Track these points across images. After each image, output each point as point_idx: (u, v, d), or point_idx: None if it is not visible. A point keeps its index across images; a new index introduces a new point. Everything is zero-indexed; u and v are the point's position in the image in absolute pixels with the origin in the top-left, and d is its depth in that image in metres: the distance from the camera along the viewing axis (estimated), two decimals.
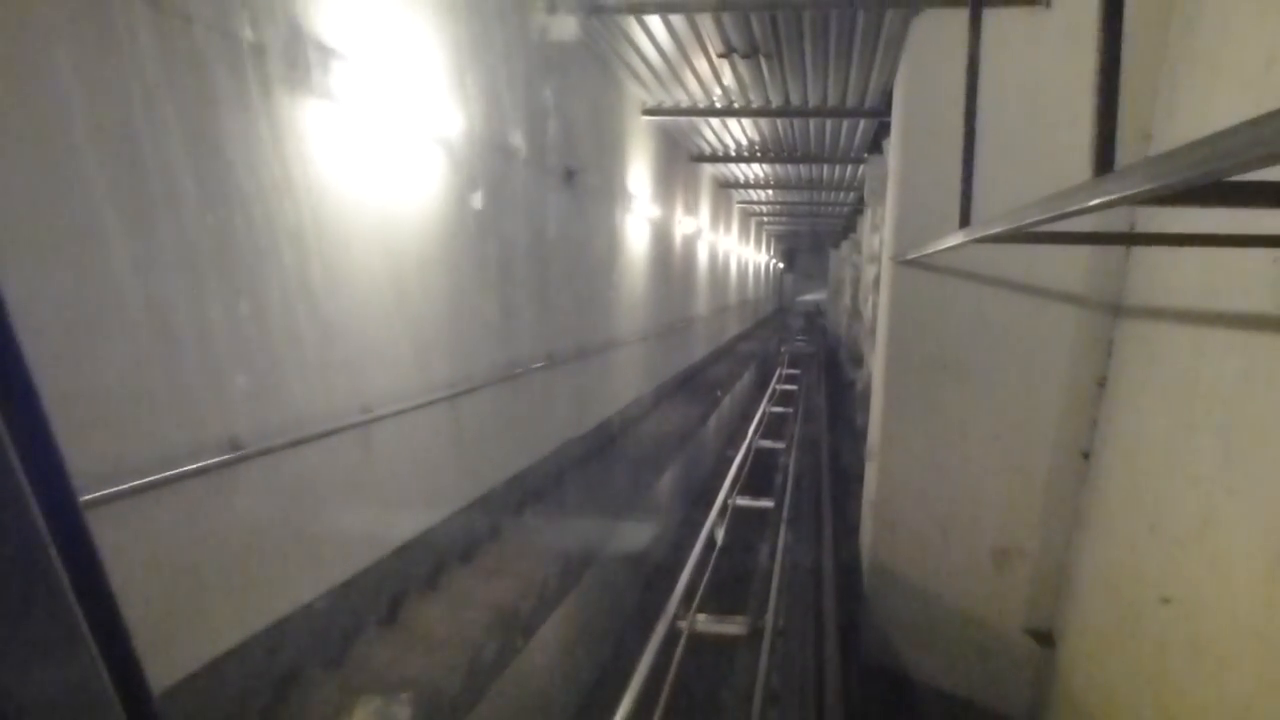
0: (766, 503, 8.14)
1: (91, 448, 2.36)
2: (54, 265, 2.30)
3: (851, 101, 8.24)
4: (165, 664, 2.67)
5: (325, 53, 3.21)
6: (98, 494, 2.28)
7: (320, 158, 3.35)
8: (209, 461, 2.72)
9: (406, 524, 4.27)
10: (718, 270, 17.90)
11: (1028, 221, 1.88)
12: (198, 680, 2.81)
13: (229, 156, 2.79)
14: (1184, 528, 3.59)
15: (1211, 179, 1.25)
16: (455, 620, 3.83)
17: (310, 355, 3.33)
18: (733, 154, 12.35)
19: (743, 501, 7.92)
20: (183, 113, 2.61)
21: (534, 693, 4.18)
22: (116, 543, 2.44)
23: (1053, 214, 1.68)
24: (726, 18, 5.89)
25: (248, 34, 2.87)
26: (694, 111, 8.89)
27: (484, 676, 3.53)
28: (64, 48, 2.27)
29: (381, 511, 4.02)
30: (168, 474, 2.54)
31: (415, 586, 4.10)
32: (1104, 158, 1.57)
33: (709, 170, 14.26)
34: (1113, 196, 1.45)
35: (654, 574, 6.72)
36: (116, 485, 2.35)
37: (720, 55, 6.78)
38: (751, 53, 6.67)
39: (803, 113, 8.63)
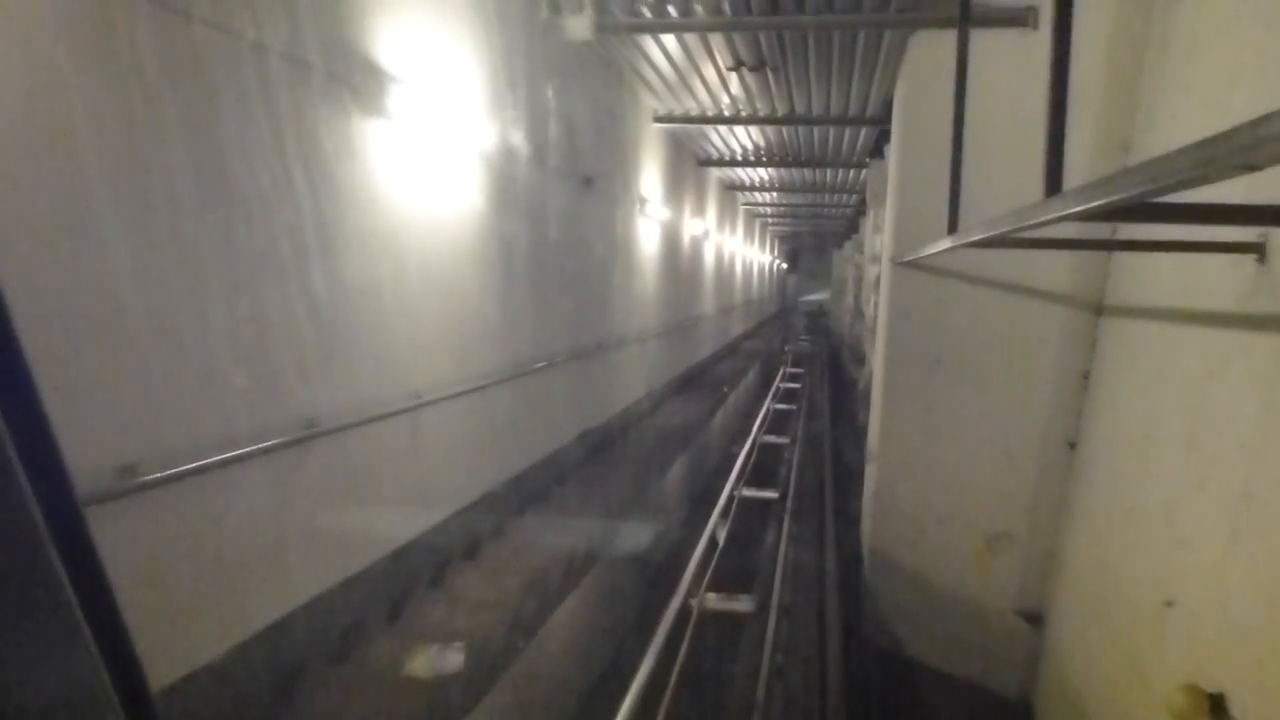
0: (771, 494, 8.42)
1: (205, 421, 2.74)
2: (180, 273, 2.69)
3: (854, 110, 8.57)
4: (262, 608, 3.07)
5: (386, 78, 3.58)
6: (209, 460, 2.66)
7: (379, 170, 3.73)
8: (288, 438, 3.10)
9: (446, 502, 4.66)
10: (723, 270, 18.22)
11: (997, 232, 2.22)
12: (287, 623, 3.20)
13: (306, 170, 3.18)
14: (1155, 511, 3.86)
15: (1137, 200, 1.58)
16: (495, 586, 4.22)
17: (371, 346, 3.71)
18: (739, 158, 12.67)
19: (748, 492, 8.20)
20: (275, 135, 3.00)
21: (561, 653, 4.55)
22: (221, 500, 2.84)
23: (1012, 227, 2.01)
24: (735, 34, 6.24)
25: (337, 67, 3.26)
26: (703, 119, 9.24)
27: (522, 631, 3.92)
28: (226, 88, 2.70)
29: (426, 489, 4.40)
30: (262, 445, 2.92)
31: (457, 555, 4.51)
32: (1053, 181, 1.90)
33: (715, 174, 14.57)
34: (1057, 215, 1.78)
35: (666, 554, 7.04)
36: (219, 454, 2.73)
37: (729, 68, 7.13)
38: (758, 65, 7.01)
39: (807, 120, 8.98)
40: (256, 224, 2.92)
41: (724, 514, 6.63)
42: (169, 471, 2.54)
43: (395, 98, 3.65)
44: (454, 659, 3.29)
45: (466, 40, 4.59)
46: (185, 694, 2.78)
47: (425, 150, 4.16)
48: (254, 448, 2.89)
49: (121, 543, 2.47)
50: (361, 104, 3.49)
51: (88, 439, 2.34)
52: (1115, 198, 1.61)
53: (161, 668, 2.67)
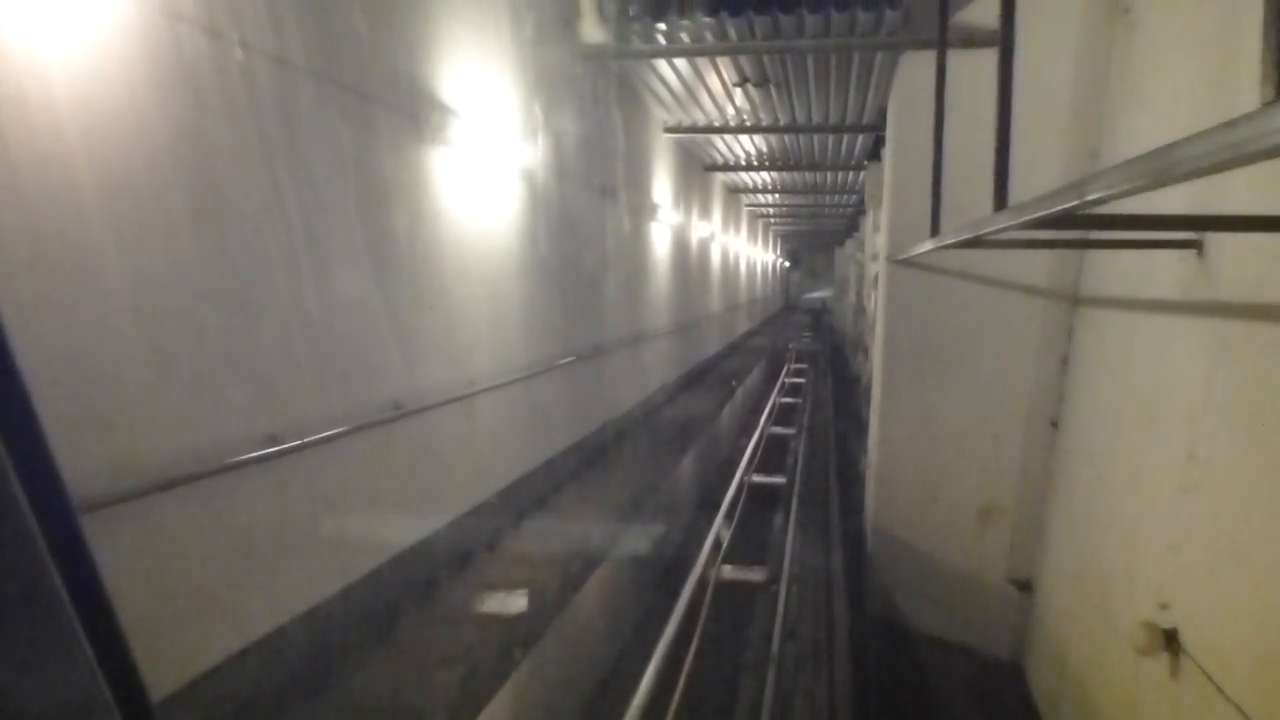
0: (779, 479, 8.89)
1: (325, 400, 3.33)
2: (304, 281, 3.26)
3: (851, 118, 9.06)
4: (368, 560, 3.66)
5: (448, 113, 4.16)
6: (327, 433, 3.23)
7: (444, 190, 4.31)
8: (384, 416, 3.70)
9: (497, 479, 5.24)
10: (729, 270, 18.65)
11: (964, 237, 2.74)
12: (383, 574, 3.79)
13: (394, 192, 3.78)
14: (1121, 477, 4.28)
15: (1065, 214, 2.08)
16: (542, 549, 4.81)
17: (440, 340, 4.28)
18: (742, 163, 13.14)
19: (758, 478, 8.67)
20: (367, 167, 3.58)
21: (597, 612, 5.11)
22: (332, 467, 3.43)
23: (972, 234, 2.53)
24: (741, 56, 6.76)
25: (409, 106, 3.85)
26: (709, 129, 9.75)
27: (569, 585, 4.49)
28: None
29: (480, 467, 4.96)
30: (362, 423, 3.50)
31: (509, 524, 5.11)
32: (1000, 196, 2.40)
33: (720, 178, 15.01)
34: (1003, 225, 2.29)
35: (683, 533, 7.52)
36: (336, 428, 3.32)
37: (734, 84, 7.66)
38: (762, 81, 7.53)
39: (807, 129, 9.48)
40: (362, 237, 3.52)
41: (728, 515, 7.01)
42: (302, 441, 3.12)
43: (455, 128, 4.22)
44: (518, 602, 3.88)
45: (506, 71, 5.15)
46: (323, 618, 3.39)
47: (476, 171, 4.72)
48: (357, 424, 3.47)
49: (265, 496, 3.04)
50: (431, 135, 4.07)
51: (244, 412, 2.91)
52: (1046, 212, 2.11)
53: (301, 597, 3.27)
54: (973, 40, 5.10)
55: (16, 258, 2.13)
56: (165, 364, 2.60)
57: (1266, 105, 0.94)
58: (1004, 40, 2.89)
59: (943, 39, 4.30)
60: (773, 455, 10.33)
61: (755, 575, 6.17)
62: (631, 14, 5.96)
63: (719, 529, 6.35)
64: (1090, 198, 1.75)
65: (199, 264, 2.71)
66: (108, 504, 2.34)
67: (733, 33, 5.88)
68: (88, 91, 2.32)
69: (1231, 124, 0.95)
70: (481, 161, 4.77)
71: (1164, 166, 1.25)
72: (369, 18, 3.59)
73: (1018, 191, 2.59)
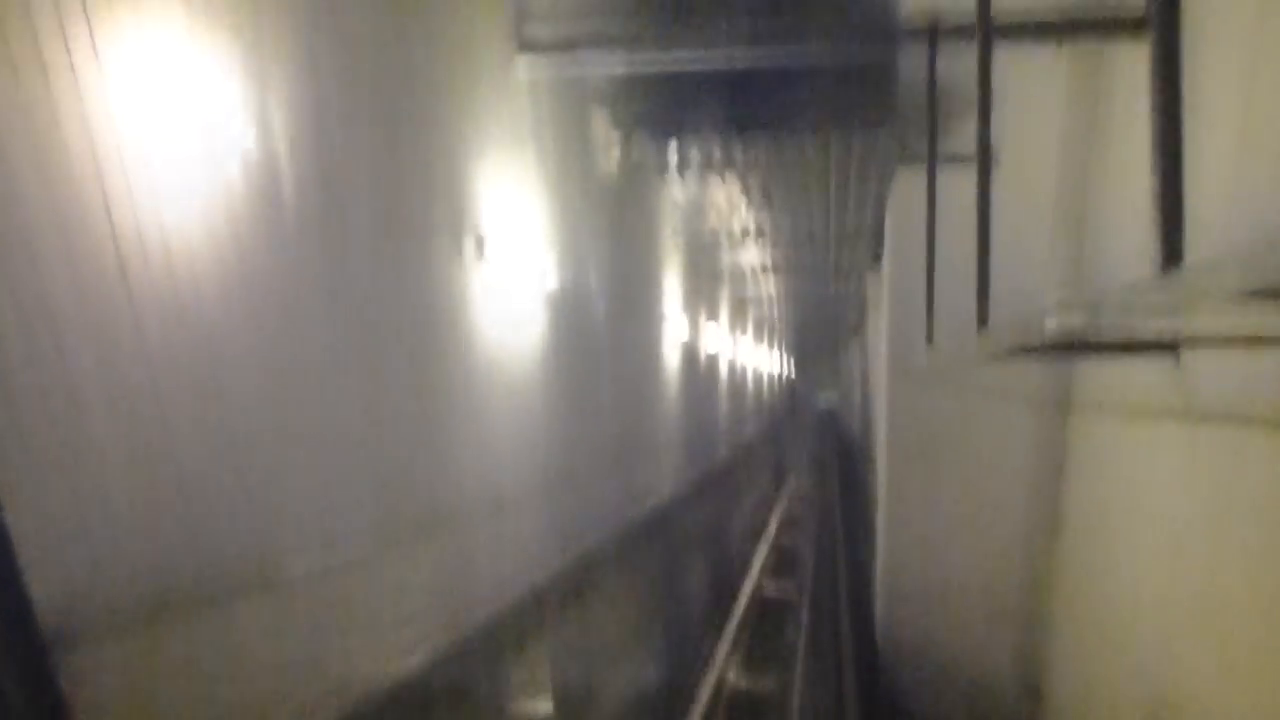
0: (789, 587, 8.88)
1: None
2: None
3: (850, 230, 9.45)
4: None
5: (483, 240, 4.56)
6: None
7: (476, 305, 4.68)
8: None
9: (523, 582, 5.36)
10: (736, 377, 18.78)
11: (954, 352, 2.96)
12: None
13: (429, 311, 4.15)
14: (1120, 581, 4.32)
15: (1030, 345, 2.29)
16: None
17: (464, 451, 4.54)
18: (749, 270, 13.70)
19: (770, 592, 8.65)
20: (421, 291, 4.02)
21: None
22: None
23: (960, 351, 2.75)
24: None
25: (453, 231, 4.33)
26: (718, 240, 10.23)
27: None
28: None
29: (509, 568, 5.08)
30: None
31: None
32: (982, 316, 2.60)
33: (728, 285, 15.41)
34: (987, 350, 2.50)
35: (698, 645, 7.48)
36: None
37: (741, 195, 8.10)
38: (767, 195, 7.98)
39: (809, 240, 9.93)
40: (427, 358, 3.98)
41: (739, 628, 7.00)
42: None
43: (487, 249, 4.60)
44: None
45: (534, 198, 5.57)
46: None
47: (504, 291, 5.02)
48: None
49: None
50: (470, 257, 4.53)
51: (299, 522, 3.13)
52: (1017, 340, 2.32)
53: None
54: (963, 156, 5.38)
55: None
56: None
57: (1157, 277, 1.15)
58: (981, 164, 3.10)
59: (932, 158, 4.53)
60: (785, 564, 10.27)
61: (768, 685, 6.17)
62: (645, 134, 6.36)
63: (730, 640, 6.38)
64: (1049, 331, 1.95)
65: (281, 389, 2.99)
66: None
67: (739, 154, 6.29)
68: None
69: (1134, 286, 1.19)
70: (507, 282, 5.07)
71: (1095, 312, 1.47)
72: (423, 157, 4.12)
73: (1007, 295, 2.70)
